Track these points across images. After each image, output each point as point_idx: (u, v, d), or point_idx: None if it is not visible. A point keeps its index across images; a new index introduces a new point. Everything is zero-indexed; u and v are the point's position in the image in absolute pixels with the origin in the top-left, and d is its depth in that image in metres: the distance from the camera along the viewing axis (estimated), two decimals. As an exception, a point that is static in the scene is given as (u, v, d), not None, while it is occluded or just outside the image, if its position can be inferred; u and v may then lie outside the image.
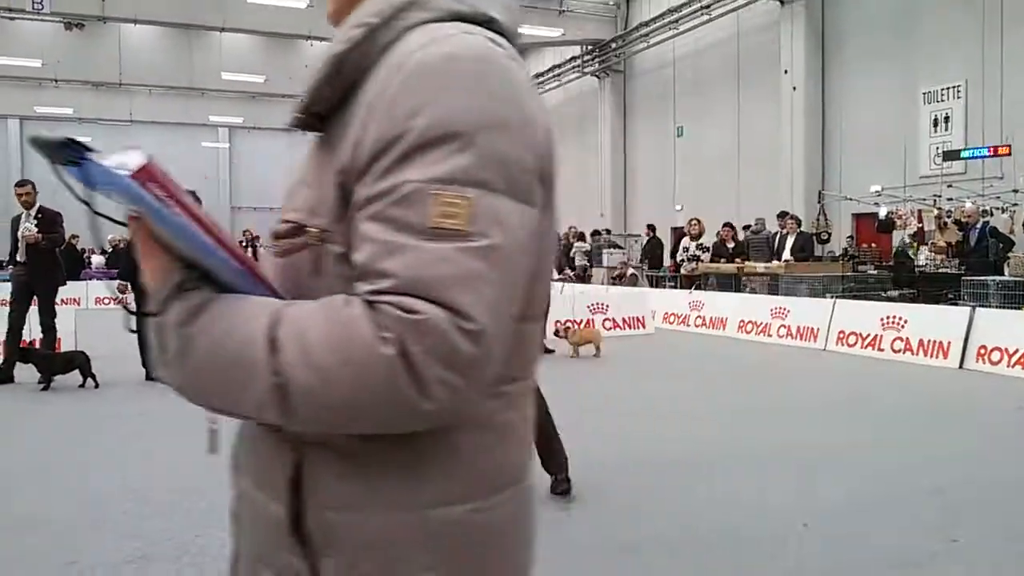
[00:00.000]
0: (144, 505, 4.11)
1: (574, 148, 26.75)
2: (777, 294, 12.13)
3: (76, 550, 3.47)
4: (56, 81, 27.94)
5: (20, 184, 8.15)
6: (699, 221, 13.91)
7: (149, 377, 8.17)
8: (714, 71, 20.62)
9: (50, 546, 3.52)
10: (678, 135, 22.01)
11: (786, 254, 13.18)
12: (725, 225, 14.26)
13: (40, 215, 8.04)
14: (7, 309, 8.21)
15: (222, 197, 35.97)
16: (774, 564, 3.33)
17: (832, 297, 10.94)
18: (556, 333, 10.01)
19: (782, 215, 14.18)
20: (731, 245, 13.96)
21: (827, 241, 14.92)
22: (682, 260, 14.00)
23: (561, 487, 4.20)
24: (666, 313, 13.38)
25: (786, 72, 17.66)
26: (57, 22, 24.18)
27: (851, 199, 15.33)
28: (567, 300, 12.13)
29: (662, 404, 6.90)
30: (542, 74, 27.12)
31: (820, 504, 4.08)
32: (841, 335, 10.17)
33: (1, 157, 33.57)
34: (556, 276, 18.97)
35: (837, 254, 15.43)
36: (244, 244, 23.73)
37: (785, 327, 11.05)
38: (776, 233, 13.98)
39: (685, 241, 14.03)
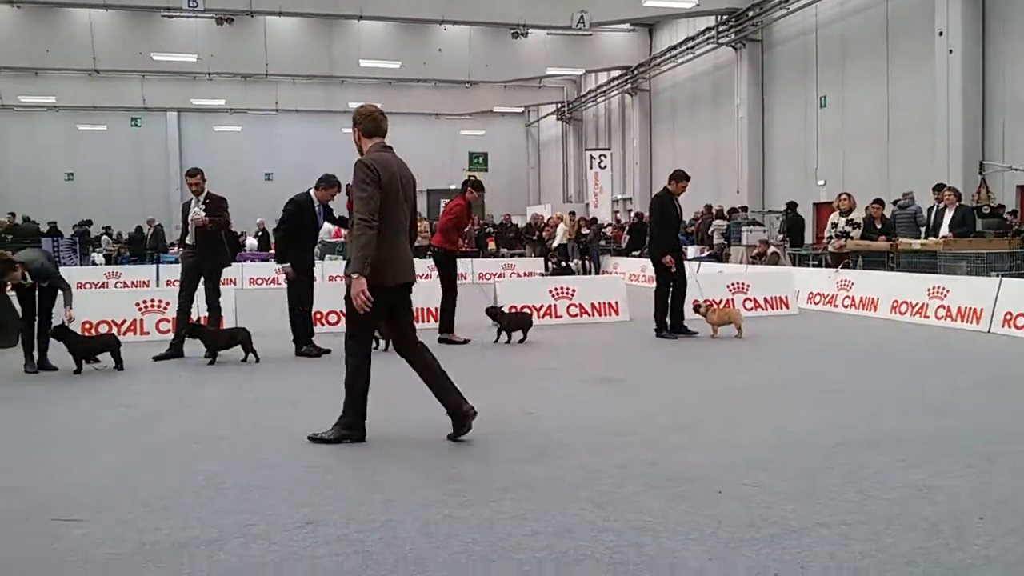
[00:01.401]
0: (309, 474, 4.32)
1: (708, 124, 26.04)
2: (934, 272, 11.40)
3: (251, 512, 3.70)
4: (209, 74, 29.61)
5: (191, 173, 8.71)
6: (849, 195, 13.22)
7: (299, 353, 8.62)
8: (860, 37, 19.51)
9: (230, 508, 3.77)
10: (821, 106, 21.00)
11: (943, 229, 12.35)
12: (875, 201, 13.49)
13: (207, 200, 8.58)
14: (178, 289, 8.83)
15: (360, 181, 37.23)
16: (950, 555, 3.14)
17: (998, 276, 10.18)
18: (696, 310, 9.82)
19: (939, 187, 13.29)
20: (879, 226, 13.18)
21: (994, 215, 13.75)
22: (830, 237, 13.37)
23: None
24: (811, 293, 12.86)
25: (941, 34, 16.48)
26: (209, 18, 25.59)
27: (1017, 169, 14.18)
28: (705, 279, 11.87)
29: (814, 385, 6.64)
30: (675, 47, 26.49)
31: (997, 494, 3.82)
32: (1008, 317, 9.46)
33: (161, 147, 36.07)
34: (693, 254, 18.59)
35: (1002, 229, 14.32)
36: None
37: (944, 308, 10.38)
38: (930, 207, 13.12)
39: (834, 216, 13.37)
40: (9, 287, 7.79)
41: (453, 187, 36.90)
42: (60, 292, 7.85)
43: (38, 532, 3.51)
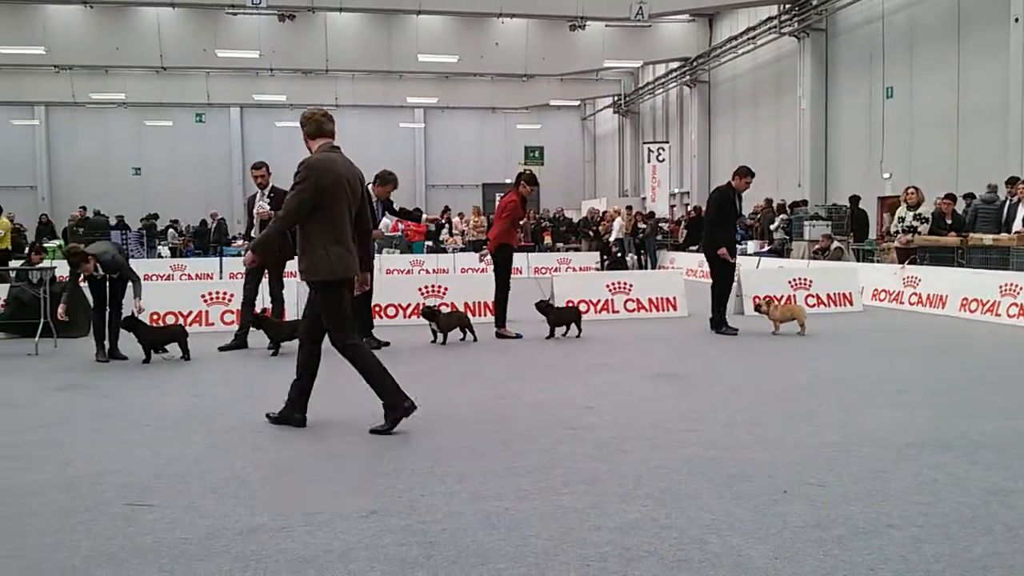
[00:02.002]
0: (371, 464, 4.38)
1: (769, 116, 25.55)
2: (1007, 269, 11.02)
3: (316, 501, 3.76)
4: (271, 70, 30.15)
5: (256, 166, 8.87)
6: (917, 189, 12.83)
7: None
8: (929, 24, 18.90)
9: (296, 497, 3.84)
10: (887, 96, 20.41)
11: (1017, 224, 11.91)
12: (946, 196, 13.06)
13: (272, 194, 8.74)
14: (243, 281, 9.02)
15: (418, 176, 37.60)
16: (1019, 555, 3.04)
17: (1076, 272, 9.80)
18: (757, 308, 9.67)
19: (1012, 181, 12.81)
20: (949, 221, 12.75)
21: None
22: (896, 232, 13.01)
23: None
24: (875, 290, 12.55)
25: (1017, 20, 15.86)
26: (272, 14, 26.04)
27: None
28: (765, 275, 11.68)
29: (880, 384, 6.47)
30: (735, 37, 26.04)
31: (1080, 500, 3.68)
32: (1087, 315, 9.09)
33: (225, 142, 36.86)
34: (752, 249, 18.30)
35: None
36: (444, 216, 24.51)
37: (1017, 306, 10.02)
38: (1002, 202, 12.65)
39: (901, 210, 13.01)
40: (81, 278, 8.05)
41: (508, 181, 36.85)
42: (130, 283, 8.09)
43: (113, 516, 3.63)
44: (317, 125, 5.19)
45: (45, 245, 15.81)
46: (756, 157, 24.24)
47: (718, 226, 9.67)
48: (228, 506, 3.73)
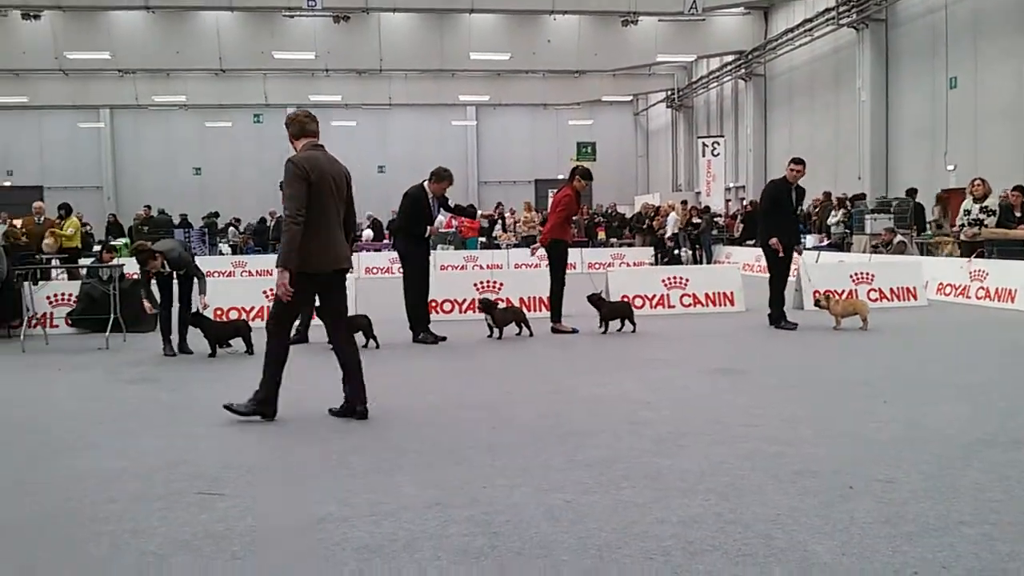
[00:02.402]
0: (433, 456, 4.44)
1: (827, 108, 25.04)
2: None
3: (380, 492, 3.83)
4: (327, 71, 30.57)
5: None
6: (984, 181, 12.44)
7: (416, 340, 8.84)
8: (995, 12, 18.29)
9: (361, 487, 3.91)
10: (951, 87, 19.83)
11: (1091, 216, 11.48)
12: (1015, 188, 12.63)
13: None
14: None
15: (470, 173, 37.76)
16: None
17: None
18: (817, 303, 9.50)
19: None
20: (1018, 214, 12.33)
21: None
22: (962, 225, 12.64)
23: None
24: (940, 284, 12.23)
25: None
26: (327, 16, 26.43)
27: None
28: (825, 269, 11.46)
29: (947, 379, 6.32)
30: (792, 29, 25.57)
31: None
32: None
33: (282, 142, 37.30)
34: (811, 244, 17.95)
35: None
36: (497, 213, 24.54)
37: (1092, 299, 9.67)
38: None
39: (966, 203, 12.63)
40: (149, 275, 8.30)
41: (561, 177, 36.84)
42: (195, 280, 8.31)
43: (186, 504, 3.74)
44: (300, 126, 5.41)
45: (113, 244, 16.29)
46: (813, 150, 23.78)
47: (771, 218, 9.54)
48: (294, 496, 3.82)
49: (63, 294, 10.55)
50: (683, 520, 3.40)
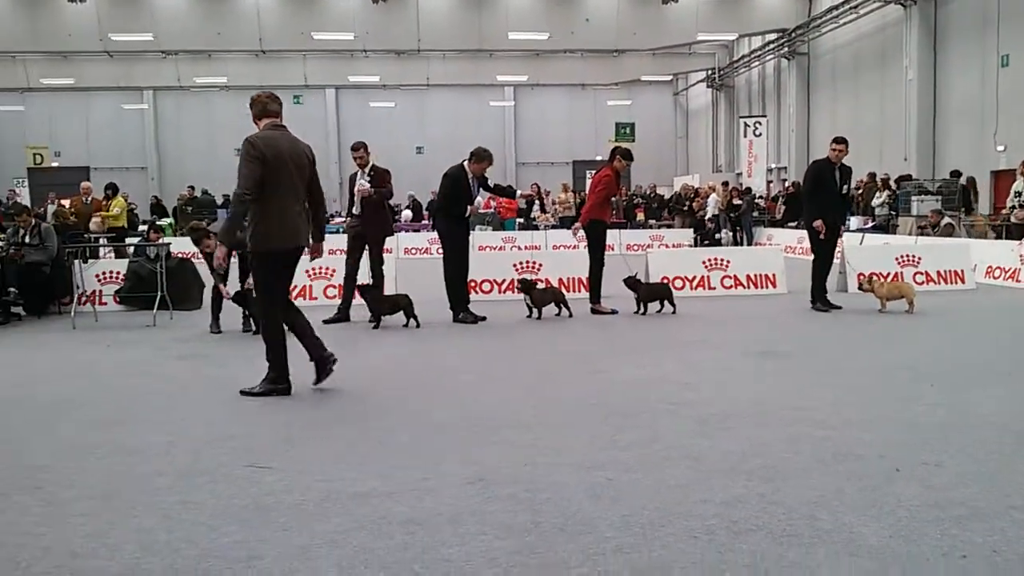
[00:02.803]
0: (475, 434, 4.47)
1: (872, 87, 24.53)
2: None
3: (422, 468, 3.87)
4: (365, 52, 30.70)
5: (355, 147, 9.07)
6: (1035, 162, 12.15)
7: (456, 319, 8.88)
8: (1052, -13, 17.75)
9: (403, 463, 3.96)
10: (1002, 65, 19.30)
11: None
12: (1067, 167, 12.33)
13: (372, 172, 8.93)
14: (344, 257, 9.28)
15: (508, 154, 37.68)
16: None
17: None
18: (861, 287, 9.36)
19: None
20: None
21: None
22: (1012, 207, 12.34)
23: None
24: (989, 267, 11.96)
25: None
26: (366, -4, 26.57)
27: None
28: (871, 251, 11.27)
29: (997, 364, 6.19)
30: (837, 7, 25.04)
31: None
32: None
33: (321, 123, 37.73)
34: (855, 225, 17.65)
35: None
36: (535, 194, 24.48)
37: None
38: None
39: (1017, 184, 12.35)
40: (206, 255, 8.45)
41: (599, 158, 36.60)
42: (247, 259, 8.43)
43: (235, 477, 3.82)
44: (262, 106, 5.50)
45: (159, 223, 16.59)
46: (858, 130, 23.34)
47: (814, 199, 9.40)
48: (339, 470, 3.88)
49: (111, 272, 10.79)
50: (726, 500, 3.39)
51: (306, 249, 5.66)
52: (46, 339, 8.57)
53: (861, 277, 9.52)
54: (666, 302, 9.36)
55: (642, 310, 9.29)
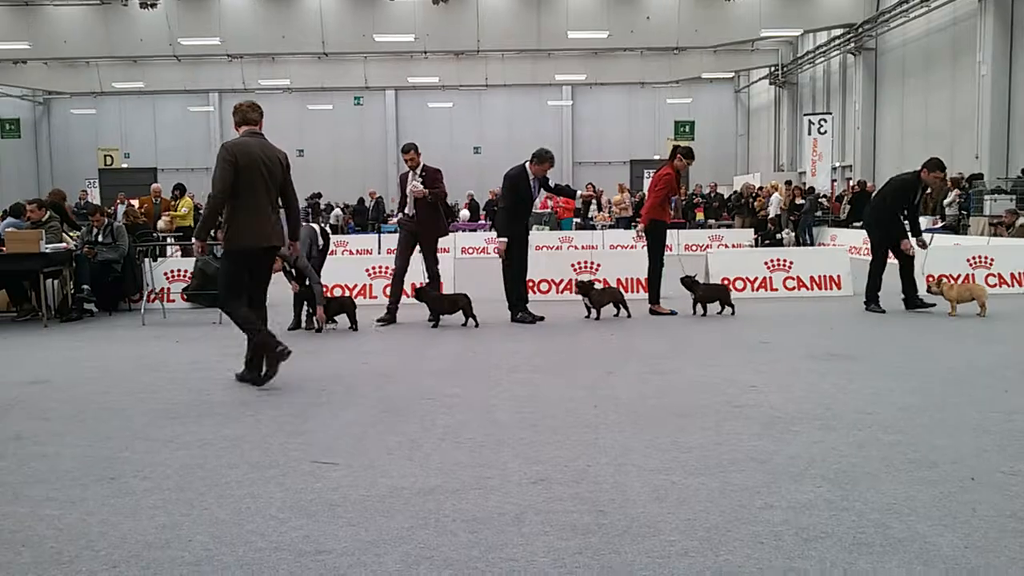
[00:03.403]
0: (536, 434, 4.48)
1: (943, 83, 23.79)
2: None
3: (486, 466, 3.89)
4: (425, 53, 30.96)
5: (405, 149, 9.12)
6: (1119, 159, 11.63)
7: (515, 319, 8.90)
8: None
9: (467, 461, 3.98)
10: (1083, 59, 18.54)
11: None
12: None
13: (424, 173, 9.01)
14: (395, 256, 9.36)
15: (565, 154, 37.62)
16: None
17: None
18: (929, 289, 9.09)
19: None
20: None
21: None
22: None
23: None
24: (1068, 269, 11.49)
25: None
26: (426, -2, 26.82)
27: None
28: (941, 252, 10.93)
29: (1076, 371, 5.95)
30: (906, 0, 24.35)
31: None
32: None
33: (380, 124, 38.25)
34: (923, 226, 17.13)
35: None
36: (591, 195, 24.41)
37: None
38: None
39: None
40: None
41: (657, 157, 36.31)
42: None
43: (302, 472, 3.90)
44: (243, 115, 5.94)
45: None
46: (927, 127, 22.69)
47: (896, 217, 9.18)
48: (404, 467, 3.93)
49: (179, 270, 11.09)
50: (793, 506, 3.33)
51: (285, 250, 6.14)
52: (117, 335, 8.85)
53: (930, 279, 9.25)
54: (724, 303, 9.24)
55: (700, 311, 9.18)
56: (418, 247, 9.17)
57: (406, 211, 9.18)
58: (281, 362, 5.79)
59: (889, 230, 9.22)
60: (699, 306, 9.19)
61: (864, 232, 17.05)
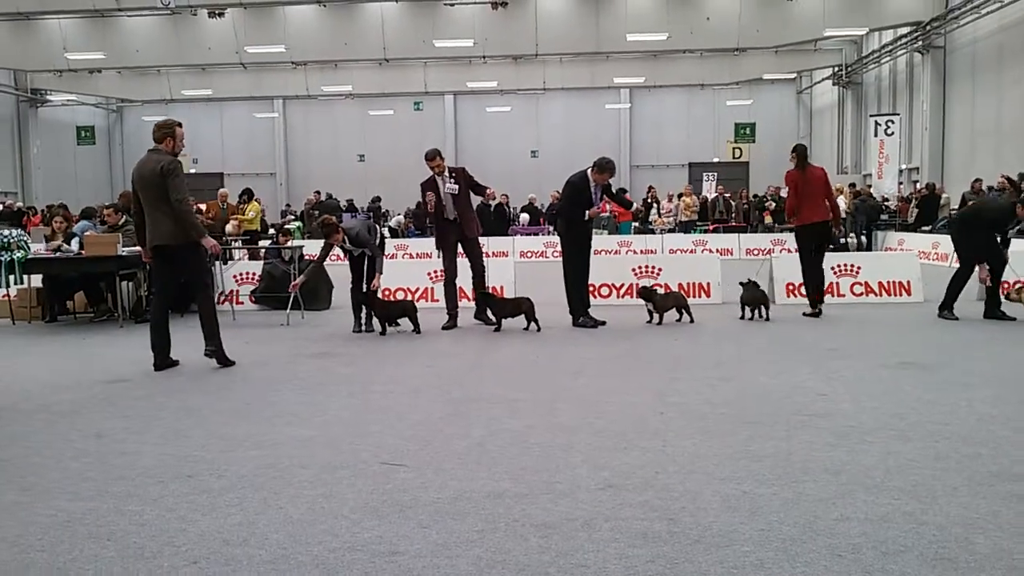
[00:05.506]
0: (603, 439, 4.46)
1: (1015, 82, 22.95)
2: None
3: (554, 471, 3.89)
4: (484, 58, 31.11)
5: (430, 157, 9.14)
6: None
7: (576, 323, 8.88)
8: None
9: (535, 465, 3.99)
10: None
11: None
12: None
13: (453, 176, 9.08)
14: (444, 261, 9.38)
15: (622, 157, 37.39)
16: None
17: None
18: (1007, 296, 8.79)
19: None
20: None
21: None
22: None
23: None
24: None
25: None
26: (485, 3, 26.89)
27: None
28: (1018, 259, 10.54)
29: None
30: (979, -3, 23.60)
31: None
32: None
33: (440, 129, 38.57)
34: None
35: None
36: (648, 200, 24.24)
37: None
38: None
39: None
40: (331, 246, 8.79)
41: (716, 160, 35.87)
42: (373, 260, 8.70)
43: (372, 473, 3.95)
44: (153, 132, 6.96)
45: (287, 227, 17.33)
46: (1000, 128, 21.94)
47: (988, 241, 8.86)
48: (472, 470, 3.95)
49: (248, 273, 11.35)
50: (870, 518, 3.25)
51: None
52: (187, 336, 9.03)
53: (1007, 287, 8.94)
54: (762, 308, 9.11)
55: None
56: (460, 247, 9.22)
57: (447, 216, 9.19)
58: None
59: (979, 251, 8.88)
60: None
61: (934, 237, 16.61)
